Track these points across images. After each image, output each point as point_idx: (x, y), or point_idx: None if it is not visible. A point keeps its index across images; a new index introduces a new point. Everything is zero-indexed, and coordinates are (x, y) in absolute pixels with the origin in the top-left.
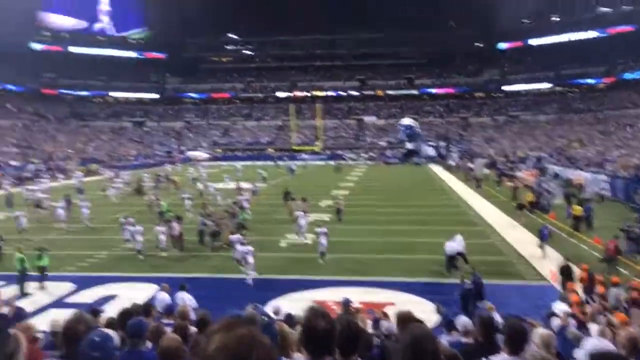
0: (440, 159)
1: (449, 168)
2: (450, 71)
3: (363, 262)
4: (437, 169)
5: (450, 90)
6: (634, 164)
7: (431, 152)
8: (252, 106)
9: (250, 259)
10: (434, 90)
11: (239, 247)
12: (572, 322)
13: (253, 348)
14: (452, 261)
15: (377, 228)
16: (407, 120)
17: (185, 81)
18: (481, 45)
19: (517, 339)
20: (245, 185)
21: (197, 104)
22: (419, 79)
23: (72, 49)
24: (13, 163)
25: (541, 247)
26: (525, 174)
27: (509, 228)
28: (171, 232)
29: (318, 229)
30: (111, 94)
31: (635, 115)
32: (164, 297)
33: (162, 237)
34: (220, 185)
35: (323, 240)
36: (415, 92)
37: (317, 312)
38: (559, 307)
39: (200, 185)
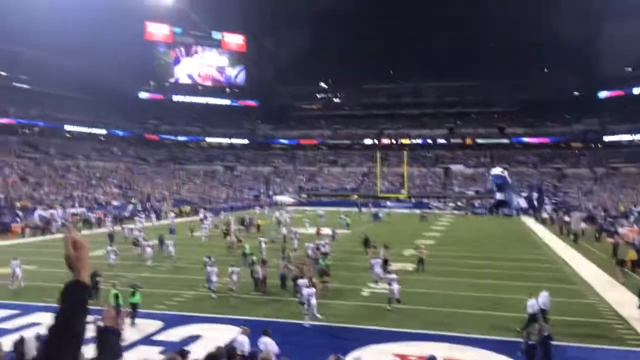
0: (533, 211)
1: (542, 221)
2: (545, 120)
3: (447, 315)
4: (529, 222)
5: (545, 140)
6: None
7: (523, 203)
8: (338, 152)
9: (313, 301)
10: (526, 139)
11: (304, 290)
12: None
13: None
14: (532, 319)
15: (463, 281)
16: (497, 170)
17: (275, 128)
18: (579, 93)
19: None
20: (325, 230)
21: (286, 150)
22: (511, 128)
23: (174, 97)
24: (114, 203)
25: None
26: (628, 230)
27: (608, 288)
28: (255, 275)
29: (389, 275)
30: (206, 139)
31: None
32: (243, 340)
33: (234, 278)
34: (301, 230)
35: (394, 286)
36: (506, 140)
37: None
38: None
39: (284, 230)
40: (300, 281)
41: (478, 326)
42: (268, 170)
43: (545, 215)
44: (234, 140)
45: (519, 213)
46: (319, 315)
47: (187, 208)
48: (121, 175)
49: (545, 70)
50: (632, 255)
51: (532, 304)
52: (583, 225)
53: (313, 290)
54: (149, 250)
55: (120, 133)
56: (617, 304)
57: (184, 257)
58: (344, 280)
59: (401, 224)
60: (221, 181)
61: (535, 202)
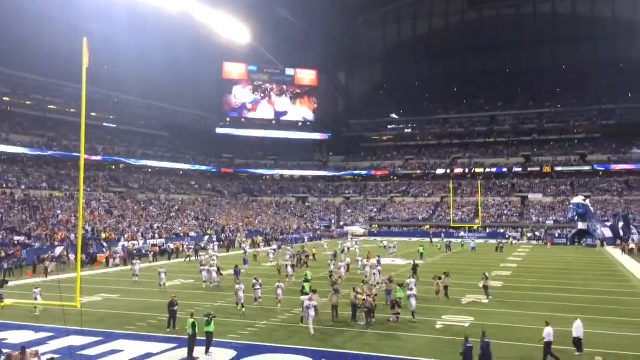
0: (619, 241)
1: (630, 251)
2: (630, 145)
3: (525, 351)
4: (615, 252)
5: (630, 167)
6: None
7: (607, 233)
8: (409, 182)
9: (312, 313)
10: (610, 166)
11: (306, 302)
12: None
13: None
14: (549, 348)
15: (541, 314)
16: (578, 199)
17: (347, 159)
18: None
19: None
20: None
21: (356, 181)
22: (592, 154)
23: (248, 132)
24: (192, 234)
25: None
26: None
27: None
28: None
29: (410, 292)
30: (279, 171)
31: None
32: None
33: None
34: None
35: (413, 301)
36: (587, 168)
37: None
38: None
39: (348, 259)
40: (303, 297)
41: None
42: (339, 201)
43: (632, 245)
44: (306, 172)
45: (604, 244)
46: (312, 328)
47: (259, 238)
48: (198, 207)
49: (630, 94)
50: None
51: (548, 333)
52: None
53: (314, 302)
54: (214, 275)
55: (198, 167)
56: None
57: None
58: (418, 312)
59: (475, 255)
60: (293, 212)
61: (621, 232)
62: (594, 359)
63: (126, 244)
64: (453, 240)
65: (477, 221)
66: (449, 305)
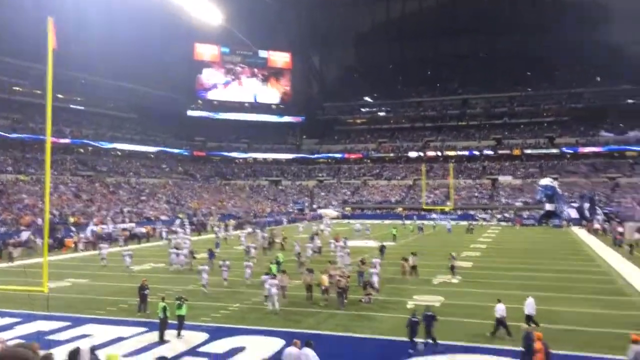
0: (584, 222)
1: (594, 231)
2: (597, 129)
3: (491, 328)
4: (580, 233)
5: (597, 149)
6: None
7: (573, 214)
8: (383, 166)
9: (274, 291)
10: (577, 149)
11: (267, 283)
12: None
13: None
14: (500, 324)
15: (510, 293)
16: (546, 180)
17: (320, 142)
18: (634, 100)
19: None
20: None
21: (330, 164)
22: (561, 137)
23: (221, 114)
24: (163, 217)
25: None
26: None
27: None
28: (281, 284)
29: (372, 270)
30: (252, 155)
31: None
32: (292, 353)
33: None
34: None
35: (375, 278)
36: (555, 151)
37: None
38: None
39: (319, 242)
40: (264, 277)
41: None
42: (312, 184)
43: (597, 225)
44: (279, 155)
45: (570, 224)
46: (277, 306)
47: (232, 222)
48: (169, 190)
49: (598, 78)
50: None
51: (499, 309)
52: (637, 235)
53: (275, 281)
54: (182, 258)
55: (170, 150)
56: None
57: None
58: (389, 292)
59: (447, 236)
60: (266, 195)
61: (587, 213)
62: (520, 327)
63: (95, 228)
64: (425, 222)
65: (448, 203)
66: (420, 285)
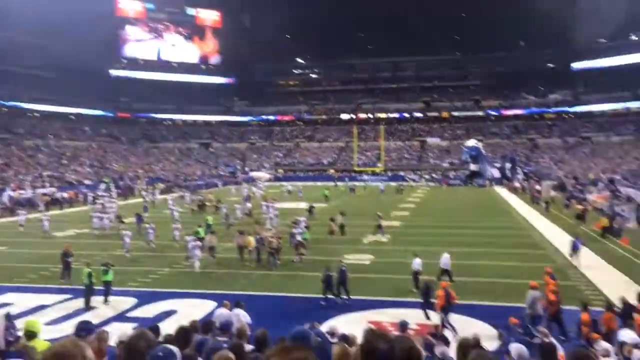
0: (506, 181)
1: (514, 190)
2: (520, 92)
3: (420, 284)
4: (502, 191)
5: (519, 112)
6: None
7: (496, 173)
8: (315, 128)
9: (197, 252)
10: (501, 112)
11: (190, 244)
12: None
13: None
14: (416, 277)
15: (436, 249)
16: (471, 142)
17: (252, 104)
18: (554, 65)
19: None
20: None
21: (262, 126)
22: (486, 100)
23: (147, 74)
24: (87, 182)
25: (571, 256)
26: (597, 197)
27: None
28: (208, 244)
29: (294, 230)
30: (181, 116)
31: None
32: (223, 314)
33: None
34: (278, 205)
35: (298, 238)
36: (481, 113)
37: (376, 334)
38: (628, 335)
39: (249, 204)
40: (188, 238)
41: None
42: (244, 147)
43: (517, 184)
44: (210, 117)
45: (492, 183)
46: (197, 265)
47: (160, 186)
48: (93, 154)
49: (521, 43)
50: (603, 222)
51: (417, 264)
52: (553, 193)
53: (198, 243)
54: (106, 222)
55: (91, 112)
56: (584, 267)
57: (160, 235)
58: (320, 252)
59: (377, 197)
60: (196, 158)
61: (508, 172)
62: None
63: (12, 193)
64: (357, 183)
65: (379, 165)
66: (351, 244)
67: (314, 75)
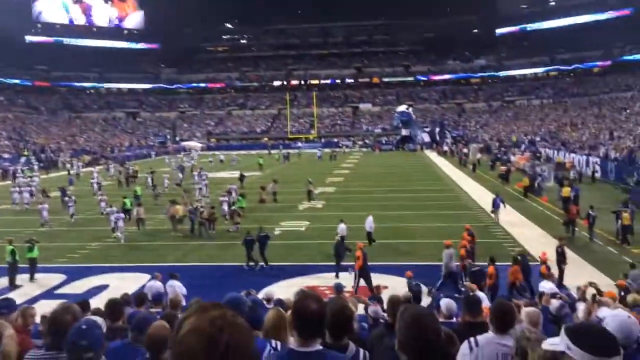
0: (435, 145)
1: (443, 154)
2: (447, 58)
3: (353, 248)
4: (431, 155)
5: (446, 77)
6: (627, 146)
7: (426, 138)
8: (247, 95)
9: (120, 224)
10: (429, 77)
11: (113, 216)
12: (557, 301)
13: (224, 329)
14: (342, 241)
15: (371, 213)
16: (402, 107)
17: (180, 71)
18: (479, 31)
19: (504, 318)
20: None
21: (192, 94)
22: (415, 66)
23: (65, 40)
24: (5, 156)
25: (493, 212)
26: (519, 158)
27: (504, 214)
28: (138, 216)
29: (221, 199)
30: (104, 85)
31: (629, 98)
32: (155, 285)
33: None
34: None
35: (225, 206)
36: (411, 78)
37: (307, 295)
38: (546, 285)
39: (180, 174)
40: (109, 209)
41: (384, 254)
42: (174, 116)
43: (445, 148)
44: (136, 85)
45: (423, 147)
46: (120, 236)
47: (86, 158)
48: (10, 125)
49: (449, 9)
50: (525, 181)
51: (341, 228)
52: (479, 155)
53: (121, 215)
54: (26, 196)
55: (6, 80)
56: (508, 224)
57: (89, 209)
58: (257, 220)
59: (312, 164)
60: (123, 128)
61: (437, 137)
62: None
63: None
64: (291, 151)
65: (312, 132)
66: (287, 211)
67: (243, 41)
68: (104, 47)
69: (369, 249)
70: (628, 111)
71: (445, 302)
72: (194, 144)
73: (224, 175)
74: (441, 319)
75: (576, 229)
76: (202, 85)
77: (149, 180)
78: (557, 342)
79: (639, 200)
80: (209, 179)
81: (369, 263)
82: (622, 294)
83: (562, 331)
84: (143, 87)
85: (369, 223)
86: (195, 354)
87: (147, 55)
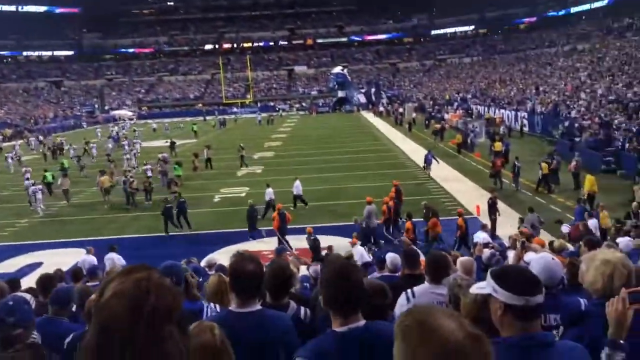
0: (371, 106)
1: (379, 114)
2: (380, 17)
3: (297, 210)
4: (368, 116)
5: (381, 37)
6: (552, 100)
7: (362, 99)
8: (177, 60)
9: (40, 196)
10: (363, 38)
11: (31, 188)
12: (488, 250)
13: (150, 291)
14: (268, 206)
15: (310, 176)
16: (337, 69)
17: (104, 36)
18: None
19: (437, 268)
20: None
21: (118, 60)
22: (349, 26)
23: None
24: None
25: (425, 169)
26: (452, 116)
27: (435, 168)
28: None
29: (145, 167)
30: (23, 53)
31: (553, 54)
32: (88, 259)
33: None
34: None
35: (149, 173)
36: (344, 39)
37: (243, 257)
38: (480, 235)
39: (110, 145)
40: (27, 182)
41: (326, 216)
42: (101, 83)
43: (381, 108)
44: (57, 53)
45: (360, 109)
46: (40, 209)
47: (7, 131)
48: None
49: None
50: (458, 138)
51: (269, 192)
52: (414, 114)
53: (38, 187)
54: None
55: None
56: (442, 180)
57: (19, 184)
58: (197, 188)
59: (249, 129)
60: (46, 99)
61: (373, 97)
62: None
63: None
64: (227, 116)
65: (248, 96)
66: (226, 178)
67: (171, 3)
68: (20, 11)
69: (296, 211)
70: (552, 66)
71: (390, 257)
72: (124, 112)
73: (157, 144)
74: (386, 273)
75: (504, 180)
76: (130, 50)
77: (71, 151)
78: (484, 286)
79: (564, 152)
80: (141, 149)
81: (298, 225)
82: (524, 241)
83: (488, 275)
84: (65, 54)
85: (297, 186)
86: (119, 319)
87: (67, 20)
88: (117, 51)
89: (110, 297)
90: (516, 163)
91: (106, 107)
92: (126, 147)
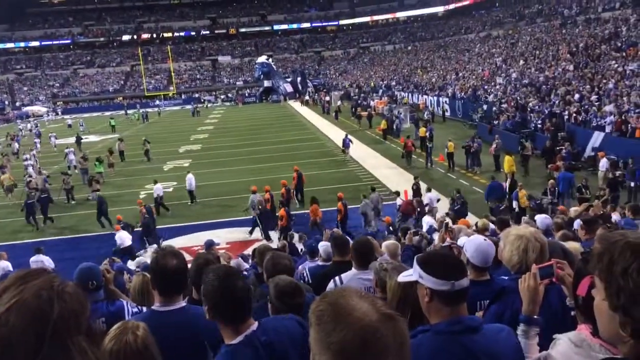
0: (298, 95)
1: (306, 103)
2: (302, 6)
3: (225, 203)
4: (295, 105)
5: (304, 26)
6: (471, 85)
7: (289, 88)
8: (93, 52)
9: None
10: (287, 26)
11: None
12: (417, 237)
13: (54, 299)
14: (160, 200)
15: (239, 168)
16: (262, 58)
17: (12, 28)
18: None
19: (363, 254)
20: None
21: (28, 53)
22: (272, 15)
23: None
24: None
25: (343, 152)
26: (378, 103)
27: (364, 156)
28: None
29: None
30: None
31: (470, 41)
32: (1, 265)
33: None
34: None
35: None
36: (268, 28)
37: (165, 252)
38: (426, 220)
39: (16, 145)
40: None
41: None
42: (11, 78)
43: (307, 97)
44: None
45: (287, 98)
46: None
47: None
48: None
49: None
50: (383, 124)
51: (157, 189)
52: (340, 102)
53: None
54: None
55: None
56: (372, 167)
57: None
58: (121, 185)
59: (174, 122)
60: None
61: (300, 86)
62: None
63: None
64: (149, 110)
65: (171, 88)
66: (152, 173)
67: None
68: None
69: (188, 207)
70: (470, 52)
71: (322, 245)
72: (37, 108)
73: (72, 140)
74: (320, 262)
75: (413, 156)
76: (39, 43)
77: None
78: (410, 274)
79: (484, 135)
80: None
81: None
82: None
83: (414, 262)
84: None
85: (190, 181)
86: (21, 335)
87: None
88: (26, 44)
89: (8, 311)
90: (428, 144)
91: (17, 104)
92: (37, 145)
